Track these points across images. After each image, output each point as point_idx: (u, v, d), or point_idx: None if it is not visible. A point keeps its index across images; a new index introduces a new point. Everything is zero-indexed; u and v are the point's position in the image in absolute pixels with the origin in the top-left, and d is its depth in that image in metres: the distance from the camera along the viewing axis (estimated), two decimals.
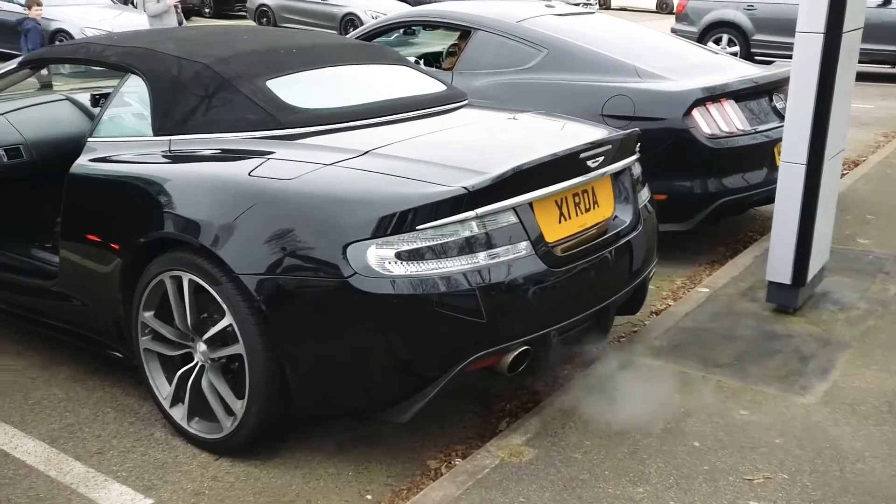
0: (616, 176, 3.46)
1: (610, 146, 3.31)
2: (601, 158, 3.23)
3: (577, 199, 3.21)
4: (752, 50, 13.29)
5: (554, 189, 3.04)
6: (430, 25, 6.48)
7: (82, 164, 3.46)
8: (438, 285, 2.74)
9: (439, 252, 2.77)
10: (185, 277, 3.03)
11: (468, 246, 2.81)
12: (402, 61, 4.32)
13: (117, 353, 3.48)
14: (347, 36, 6.70)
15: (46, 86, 4.99)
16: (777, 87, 5.29)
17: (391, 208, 2.74)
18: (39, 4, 10.79)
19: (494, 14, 5.74)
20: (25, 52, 9.94)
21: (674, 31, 13.41)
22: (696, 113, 4.82)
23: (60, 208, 3.48)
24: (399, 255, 2.74)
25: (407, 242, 2.75)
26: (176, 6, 11.41)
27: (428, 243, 2.76)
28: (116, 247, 3.25)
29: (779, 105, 5.25)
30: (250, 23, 20.89)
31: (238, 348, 2.92)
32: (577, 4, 20.09)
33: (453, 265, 2.78)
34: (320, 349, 2.84)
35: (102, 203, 3.39)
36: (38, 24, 10.81)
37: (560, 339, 3.10)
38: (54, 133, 4.26)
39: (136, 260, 3.19)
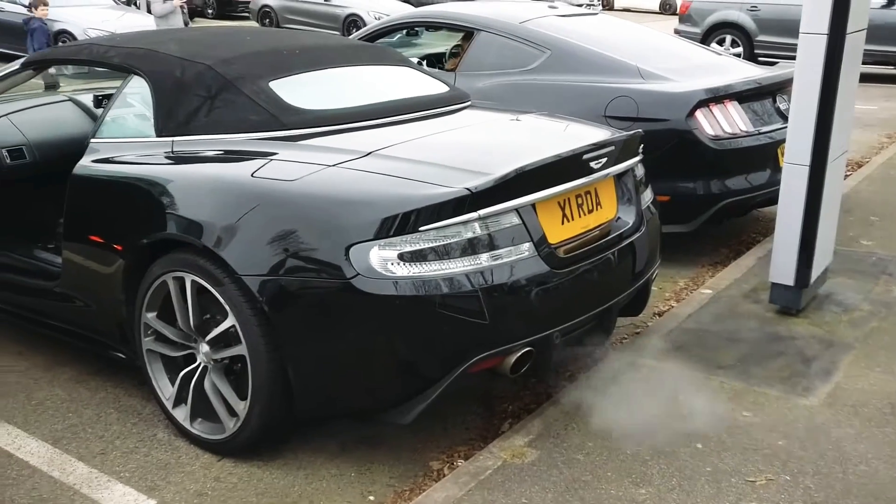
0: (619, 177, 3.46)
1: (613, 147, 3.30)
2: (604, 160, 3.23)
3: (579, 201, 3.21)
4: (756, 51, 13.28)
5: (557, 190, 3.04)
6: (433, 26, 6.48)
7: (85, 164, 3.46)
8: (441, 286, 2.74)
9: (442, 253, 2.77)
10: (188, 278, 3.03)
11: (471, 247, 2.80)
12: (404, 62, 4.33)
13: (120, 354, 3.48)
14: (350, 37, 6.71)
15: (51, 87, 5.00)
16: (780, 88, 5.28)
17: (394, 209, 2.74)
18: (45, 4, 10.83)
19: (497, 15, 5.74)
20: (31, 51, 9.98)
21: (677, 31, 13.40)
22: (699, 114, 4.82)
23: (63, 209, 3.48)
24: (402, 257, 2.74)
25: (410, 244, 2.75)
26: (182, 7, 11.45)
27: (431, 244, 2.76)
28: (119, 248, 3.26)
29: (782, 106, 5.24)
30: (253, 24, 20.91)
31: (241, 349, 2.93)
32: (581, 5, 20.07)
33: (456, 266, 2.78)
34: (323, 350, 2.84)
35: (105, 204, 3.39)
36: (43, 23, 10.85)
37: (563, 341, 3.10)
38: (57, 134, 4.27)
39: (138, 261, 3.20)
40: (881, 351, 3.77)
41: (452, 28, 6.07)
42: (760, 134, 5.05)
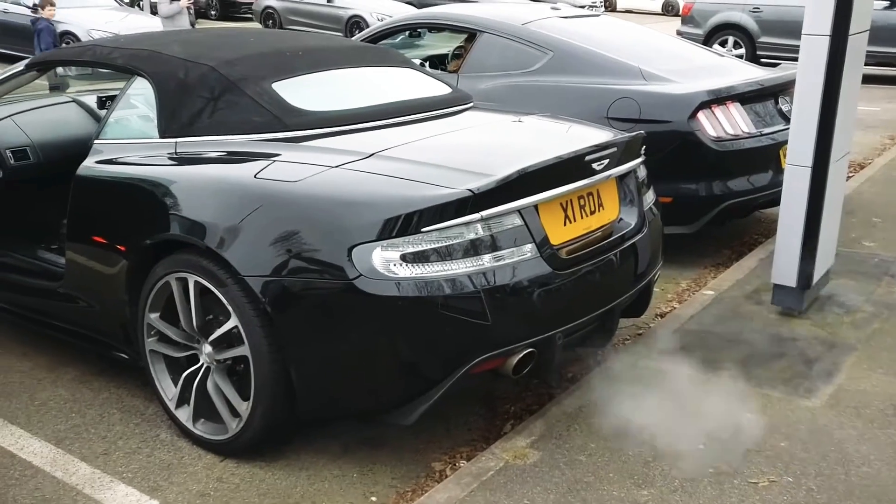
0: (621, 178, 3.46)
1: (615, 149, 3.31)
2: (606, 161, 3.23)
3: (582, 202, 3.21)
4: (758, 52, 13.27)
5: (559, 191, 3.05)
6: (436, 28, 6.49)
7: (88, 165, 3.47)
8: (443, 287, 2.75)
9: (444, 254, 2.77)
10: (191, 279, 3.04)
11: (473, 248, 2.81)
12: (407, 64, 4.33)
13: (123, 355, 3.49)
14: (353, 38, 6.71)
15: (56, 88, 5.01)
16: (783, 89, 5.28)
17: (396, 210, 2.74)
18: (52, 4, 10.89)
19: (500, 16, 5.74)
20: (38, 51, 10.02)
21: (679, 33, 13.41)
22: (701, 115, 4.82)
23: (67, 210, 3.49)
24: (404, 258, 2.74)
25: (412, 244, 2.75)
26: (188, 7, 11.49)
27: (433, 245, 2.76)
28: (122, 248, 3.26)
29: (784, 108, 5.24)
30: (256, 25, 20.93)
31: (243, 350, 2.93)
32: (583, 7, 20.08)
33: (458, 267, 2.78)
34: (325, 351, 2.85)
35: (108, 205, 3.40)
36: (50, 24, 10.91)
37: (565, 342, 3.10)
38: (61, 135, 4.27)
39: (142, 262, 3.20)
40: (883, 352, 3.77)
41: (455, 29, 6.08)
42: (762, 135, 5.05)
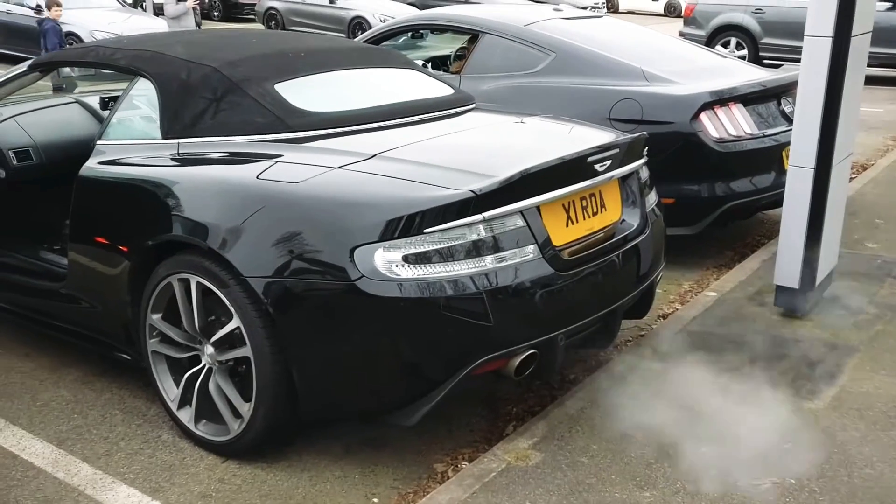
0: (624, 179, 3.46)
1: (617, 150, 3.30)
2: (609, 162, 3.23)
3: (584, 203, 3.21)
4: (761, 53, 13.26)
5: (561, 193, 3.04)
6: (438, 29, 6.49)
7: (91, 166, 3.47)
8: (445, 289, 2.74)
9: (446, 255, 2.77)
10: (193, 280, 3.04)
11: (475, 249, 2.81)
12: (409, 65, 4.33)
13: (125, 356, 3.49)
14: (355, 39, 6.71)
15: (59, 88, 5.02)
16: (785, 90, 5.28)
17: (399, 211, 2.74)
18: (59, 5, 10.94)
19: (502, 18, 5.74)
20: (44, 52, 10.05)
21: (682, 34, 13.40)
22: (703, 116, 4.82)
23: (69, 211, 3.49)
24: (406, 259, 2.74)
25: (414, 246, 2.75)
26: (194, 8, 11.53)
27: (435, 247, 2.76)
28: (125, 249, 3.27)
29: (787, 109, 5.24)
30: (259, 26, 20.95)
31: (245, 351, 2.93)
32: (585, 8, 20.08)
33: (460, 268, 2.78)
34: (327, 352, 2.85)
35: (111, 206, 3.40)
36: (56, 24, 10.95)
37: (567, 343, 3.09)
38: (63, 136, 4.28)
39: (144, 262, 3.21)
40: (886, 354, 3.76)
41: (457, 31, 6.08)
42: (765, 136, 5.04)
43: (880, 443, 3.07)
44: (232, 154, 3.23)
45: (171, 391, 3.26)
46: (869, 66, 4.30)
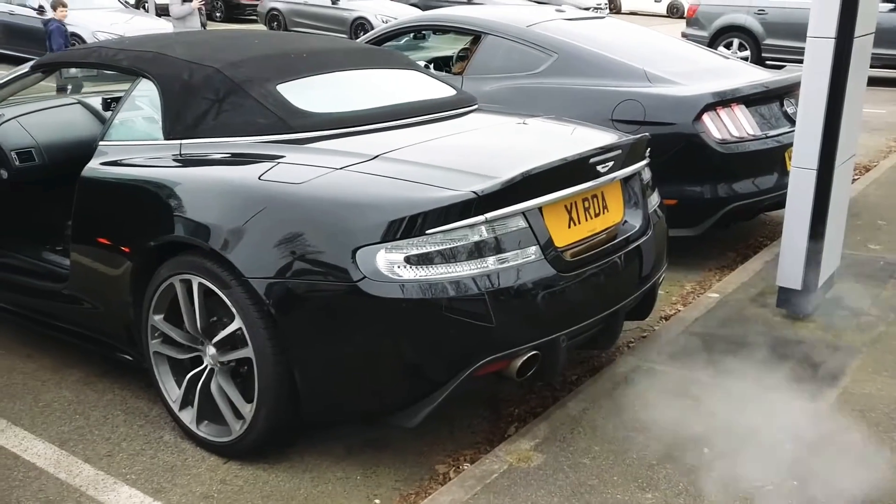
0: (626, 181, 3.46)
1: (620, 151, 3.30)
2: (611, 163, 3.23)
3: (586, 204, 3.20)
4: (763, 54, 13.25)
5: (563, 194, 3.04)
6: (441, 30, 6.48)
7: (93, 167, 3.48)
8: (447, 290, 2.74)
9: (448, 256, 2.77)
10: (195, 281, 3.04)
11: (477, 250, 2.80)
12: (412, 66, 4.33)
13: (127, 356, 3.49)
14: (358, 40, 6.71)
15: (62, 89, 5.02)
16: (788, 91, 5.28)
17: (401, 212, 2.74)
18: (64, 6, 10.98)
19: (504, 18, 5.74)
20: (50, 52, 10.07)
21: (684, 35, 13.40)
22: (706, 118, 4.81)
23: (71, 211, 3.49)
24: (408, 260, 2.74)
25: (416, 247, 2.75)
26: (200, 9, 11.54)
27: (437, 248, 2.76)
28: (127, 250, 3.27)
29: (790, 110, 5.23)
30: (261, 27, 20.97)
31: (247, 352, 2.93)
32: (588, 9, 20.07)
33: (462, 269, 2.78)
34: (329, 353, 2.85)
35: (113, 206, 3.40)
36: (62, 25, 10.98)
37: (569, 344, 3.09)
38: (66, 136, 4.28)
39: (146, 263, 3.21)
40: (889, 355, 3.76)
41: (460, 31, 6.08)
42: (768, 138, 5.04)
43: (883, 444, 3.06)
44: (234, 155, 3.23)
45: (173, 392, 3.27)
46: (871, 67, 4.29)
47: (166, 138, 3.39)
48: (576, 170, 3.12)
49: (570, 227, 3.11)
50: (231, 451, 3.13)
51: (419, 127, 3.55)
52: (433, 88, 4.03)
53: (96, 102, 4.52)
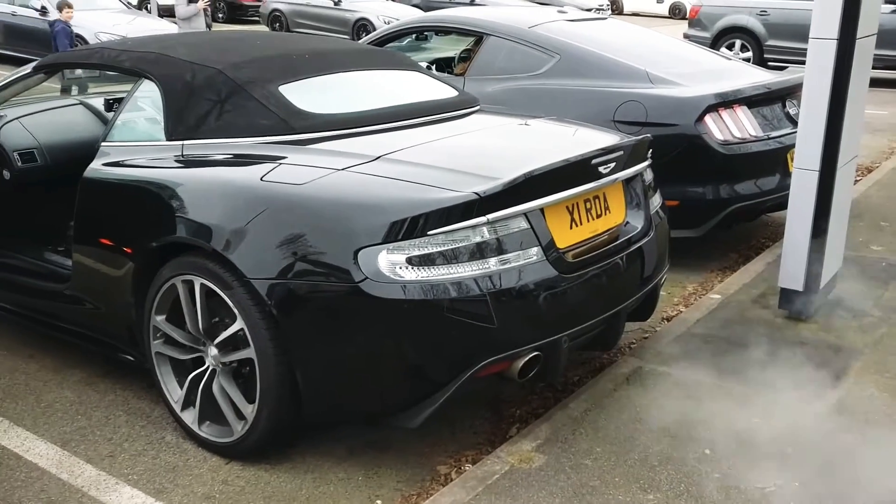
0: (628, 182, 3.45)
1: (621, 152, 3.30)
2: (613, 164, 3.23)
3: (588, 205, 3.20)
4: (766, 55, 13.25)
5: (565, 195, 3.04)
6: (443, 31, 6.48)
7: (95, 168, 3.48)
8: (449, 291, 2.74)
9: (450, 257, 2.77)
10: (197, 282, 3.04)
11: (479, 251, 2.81)
12: (414, 67, 4.33)
13: (129, 357, 3.49)
14: (360, 41, 6.72)
15: (66, 90, 5.03)
16: (790, 93, 5.27)
17: (402, 213, 2.74)
18: (70, 7, 11.00)
19: (506, 20, 5.75)
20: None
21: (686, 36, 13.39)
22: (708, 119, 4.81)
23: (73, 212, 3.50)
24: (410, 261, 2.74)
25: (418, 248, 2.75)
26: (205, 10, 11.54)
27: (439, 248, 2.76)
28: (129, 251, 3.27)
29: (792, 111, 5.23)
30: (263, 28, 20.98)
31: (249, 352, 2.93)
32: (590, 10, 20.07)
33: (464, 270, 2.78)
34: (331, 354, 2.85)
35: (115, 207, 3.41)
36: (67, 26, 11.00)
37: (571, 345, 3.09)
38: (68, 137, 4.29)
39: (148, 264, 3.21)
40: (891, 357, 3.75)
41: (462, 32, 6.08)
42: (770, 139, 5.04)
43: (885, 446, 3.06)
44: (236, 156, 3.24)
45: (174, 392, 3.27)
46: (873, 68, 4.29)
47: (168, 139, 3.39)
48: (578, 171, 3.12)
49: (571, 228, 3.11)
50: (233, 452, 3.14)
51: (421, 128, 3.55)
52: (435, 89, 4.03)
53: (98, 103, 4.53)
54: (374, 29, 17.03)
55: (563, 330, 3.01)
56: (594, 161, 3.16)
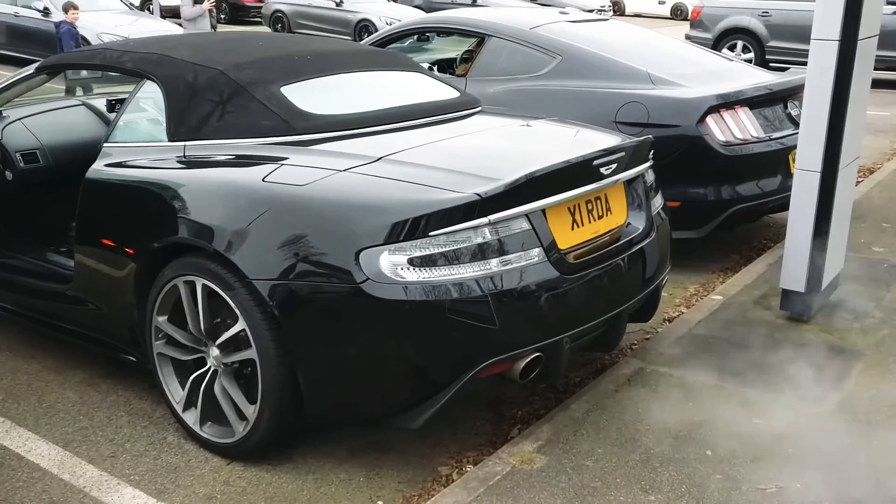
0: (629, 183, 3.46)
1: (623, 153, 3.30)
2: (614, 165, 3.23)
3: (590, 206, 3.20)
4: (767, 57, 13.25)
5: (567, 196, 3.04)
6: (444, 32, 6.49)
7: (98, 169, 3.48)
8: (451, 291, 2.75)
9: (452, 258, 2.77)
10: (199, 282, 3.04)
11: (481, 252, 2.81)
12: (415, 68, 4.33)
13: (131, 357, 3.50)
14: (362, 42, 6.72)
15: (70, 91, 5.03)
16: (792, 94, 5.27)
17: (404, 214, 2.74)
18: (76, 8, 11.01)
19: (508, 21, 5.75)
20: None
21: (688, 37, 13.39)
22: (710, 120, 4.81)
23: (76, 213, 3.50)
24: (412, 262, 2.74)
25: (419, 248, 2.75)
26: (211, 11, 11.55)
27: (440, 249, 2.76)
28: (131, 251, 3.28)
29: (793, 112, 5.23)
30: (265, 29, 20.99)
31: (251, 353, 2.93)
32: (591, 11, 20.06)
33: (466, 271, 2.78)
34: (332, 355, 2.85)
35: (117, 208, 3.41)
36: (72, 27, 11.01)
37: (572, 346, 3.09)
38: (70, 138, 4.29)
39: (150, 265, 3.21)
40: (892, 358, 3.75)
41: (463, 34, 6.08)
42: (771, 140, 5.03)
43: (887, 448, 3.06)
44: (238, 157, 3.24)
45: (176, 393, 3.27)
46: (875, 69, 4.29)
47: (170, 140, 3.40)
48: (579, 172, 3.12)
49: (573, 229, 3.11)
50: (234, 453, 3.14)
51: (423, 129, 3.55)
52: (437, 90, 4.04)
53: (101, 104, 4.54)
54: (376, 30, 17.04)
55: (565, 331, 3.01)
56: (596, 162, 3.16)
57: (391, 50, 5.96)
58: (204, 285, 3.03)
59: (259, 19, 22.88)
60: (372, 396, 2.94)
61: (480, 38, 5.72)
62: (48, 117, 4.38)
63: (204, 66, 3.49)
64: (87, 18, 13.90)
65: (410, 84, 4.07)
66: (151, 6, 18.13)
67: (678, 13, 29.34)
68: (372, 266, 2.73)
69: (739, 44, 13.66)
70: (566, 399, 3.46)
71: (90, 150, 3.67)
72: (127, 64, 3.71)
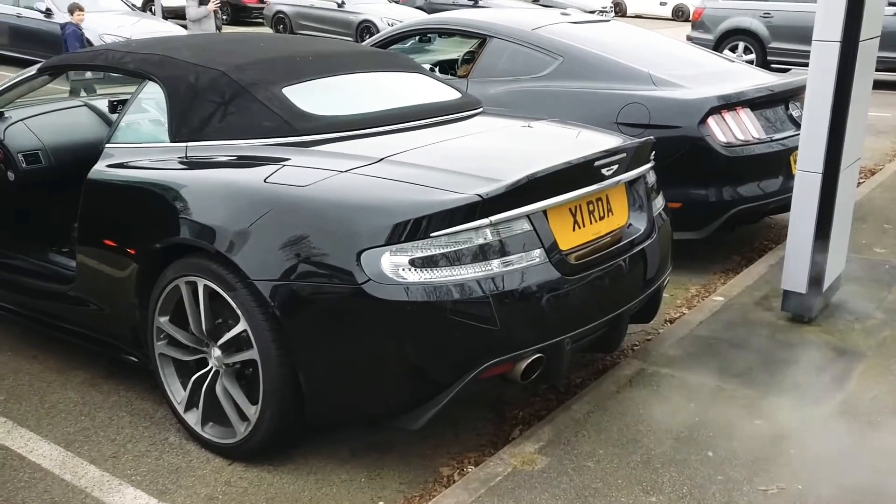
0: (630, 184, 3.46)
1: (624, 154, 3.30)
2: (616, 166, 3.23)
3: (591, 207, 3.21)
4: (769, 58, 13.25)
5: (568, 197, 3.05)
6: (446, 33, 6.49)
7: (100, 169, 3.49)
8: (452, 292, 2.75)
9: (453, 259, 2.77)
10: (201, 283, 3.05)
11: (482, 253, 2.81)
12: (417, 69, 4.34)
13: (133, 358, 3.50)
14: (363, 43, 6.73)
15: (73, 91, 5.04)
16: (793, 95, 5.27)
17: (405, 215, 2.75)
18: (81, 10, 11.02)
19: (510, 22, 5.75)
20: None
21: (689, 38, 13.39)
22: (711, 121, 4.81)
23: (78, 213, 3.51)
24: (413, 262, 2.74)
25: (421, 249, 2.75)
26: (216, 12, 11.56)
27: (442, 250, 2.77)
28: (133, 252, 3.28)
29: (795, 113, 5.23)
30: (267, 30, 21.00)
31: (252, 354, 2.94)
32: (593, 12, 20.07)
33: (467, 272, 2.78)
34: (334, 355, 2.85)
35: (119, 208, 3.42)
36: (77, 28, 11.02)
37: (573, 347, 3.09)
38: (72, 139, 4.30)
39: (152, 265, 3.22)
40: (894, 360, 3.75)
41: (465, 35, 6.08)
42: (773, 141, 5.03)
43: (888, 449, 3.06)
44: (239, 157, 3.24)
45: (178, 394, 3.27)
46: (877, 70, 4.29)
47: (172, 141, 3.40)
48: (580, 173, 3.12)
49: (574, 230, 3.11)
50: (236, 453, 3.14)
51: (424, 130, 3.55)
52: (438, 91, 4.04)
53: (103, 105, 4.54)
54: (378, 31, 17.04)
55: (566, 332, 3.01)
56: (597, 163, 3.16)
57: (393, 51, 5.96)
58: (205, 286, 3.03)
59: (261, 20, 22.90)
60: (373, 397, 2.94)
61: (482, 40, 5.73)
62: (50, 118, 4.38)
63: (206, 67, 3.49)
64: (90, 19, 13.89)
65: (412, 85, 4.07)
66: (153, 7, 18.14)
67: (679, 14, 29.33)
68: (373, 267, 2.73)
69: (741, 45, 13.66)
70: (567, 400, 3.47)
71: (92, 151, 3.68)
72: (129, 65, 3.71)
